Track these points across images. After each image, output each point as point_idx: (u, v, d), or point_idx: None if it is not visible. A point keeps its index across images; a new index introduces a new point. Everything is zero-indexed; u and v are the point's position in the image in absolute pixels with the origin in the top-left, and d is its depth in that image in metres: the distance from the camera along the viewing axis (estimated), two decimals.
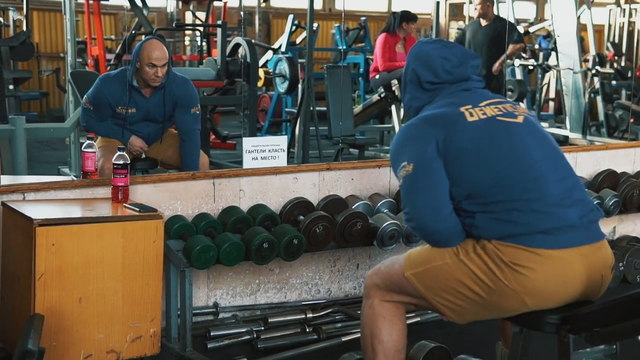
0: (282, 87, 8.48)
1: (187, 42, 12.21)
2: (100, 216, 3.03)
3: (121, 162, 3.20)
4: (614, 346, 2.37)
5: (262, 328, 3.60)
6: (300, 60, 8.73)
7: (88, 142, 3.50)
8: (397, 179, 2.52)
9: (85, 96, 4.27)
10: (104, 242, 2.94)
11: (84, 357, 2.97)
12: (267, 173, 3.79)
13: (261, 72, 9.04)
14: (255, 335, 3.52)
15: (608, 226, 4.94)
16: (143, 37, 8.13)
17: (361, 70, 9.70)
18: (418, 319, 3.76)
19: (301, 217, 3.67)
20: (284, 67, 8.45)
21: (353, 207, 3.80)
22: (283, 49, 9.12)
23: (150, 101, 4.24)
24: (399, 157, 2.48)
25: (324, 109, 7.29)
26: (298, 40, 9.80)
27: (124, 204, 3.18)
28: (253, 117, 6.74)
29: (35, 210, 2.95)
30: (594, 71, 8.56)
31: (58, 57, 10.27)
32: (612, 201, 4.44)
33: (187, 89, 4.32)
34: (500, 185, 2.36)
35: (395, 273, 2.54)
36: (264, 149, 3.76)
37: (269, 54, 9.82)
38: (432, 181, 2.40)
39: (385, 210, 3.89)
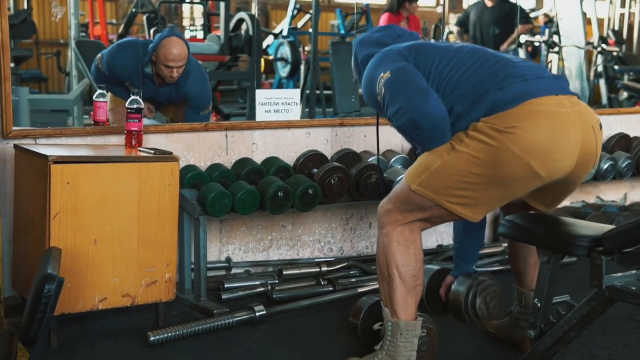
0: (283, 71, 8.41)
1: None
2: (116, 155, 2.97)
3: (135, 106, 3.15)
4: None
5: (277, 281, 3.55)
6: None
7: (100, 91, 3.44)
8: (379, 103, 2.59)
9: (100, 55, 3.96)
10: (119, 182, 2.89)
11: (99, 300, 2.92)
12: (280, 127, 3.74)
13: None
14: (269, 287, 3.47)
15: (619, 192, 4.91)
16: (144, 17, 8.08)
17: None
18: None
19: (315, 170, 3.63)
20: (285, 51, 8.40)
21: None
22: (285, 33, 9.07)
23: (159, 91, 3.95)
24: (374, 76, 2.59)
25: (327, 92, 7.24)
26: (299, 25, 9.74)
27: (139, 148, 3.13)
28: (255, 90, 6.68)
29: (49, 150, 2.89)
30: (599, 49, 8.54)
31: (58, 44, 10.17)
32: (626, 162, 4.41)
33: (202, 89, 4.01)
34: (468, 73, 2.48)
35: (402, 191, 2.54)
36: (277, 102, 3.71)
37: (269, 39, 9.76)
38: (411, 75, 2.50)
39: (399, 166, 3.85)
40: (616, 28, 12.46)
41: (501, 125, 2.35)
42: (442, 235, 4.27)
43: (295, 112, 3.75)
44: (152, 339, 2.91)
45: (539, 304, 2.52)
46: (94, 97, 3.43)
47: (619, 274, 2.30)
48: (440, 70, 2.51)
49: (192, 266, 3.42)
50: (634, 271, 2.32)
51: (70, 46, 6.37)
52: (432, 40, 7.01)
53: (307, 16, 9.31)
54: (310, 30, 8.89)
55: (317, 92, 7.40)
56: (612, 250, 2.22)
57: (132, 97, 3.16)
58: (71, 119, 6.53)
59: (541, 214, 2.65)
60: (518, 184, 2.40)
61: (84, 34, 6.58)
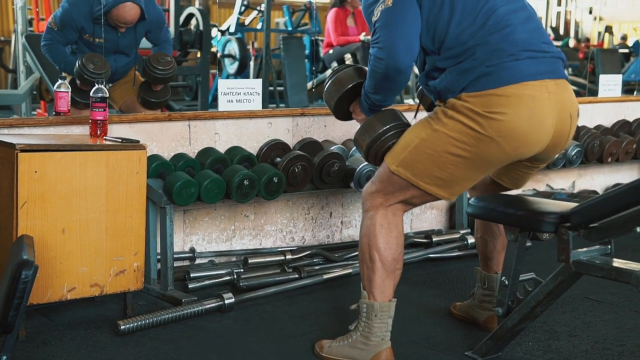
0: (231, 68, 8.40)
1: None
2: (84, 144, 2.95)
3: (99, 95, 3.13)
4: (609, 246, 2.42)
5: (242, 270, 3.57)
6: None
7: (60, 82, 3.41)
8: (371, 20, 2.52)
9: (52, 17, 4.12)
10: (87, 171, 2.87)
11: (68, 290, 2.89)
12: (242, 117, 3.76)
13: None
14: (235, 276, 3.49)
15: (568, 180, 5.07)
16: None
17: (307, 52, 9.67)
18: None
19: (278, 159, 3.66)
20: (233, 47, 8.40)
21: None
22: (232, 29, 9.05)
23: (121, 36, 4.14)
24: None
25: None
26: (247, 22, 9.73)
27: (104, 137, 3.11)
28: (205, 85, 6.69)
29: (15, 139, 2.86)
30: None
31: None
32: (575, 151, 4.56)
33: (155, 11, 4.30)
34: (469, 33, 2.41)
35: (384, 173, 2.58)
36: (239, 92, 3.73)
37: (213, 34, 9.70)
38: (408, 16, 2.43)
39: (359, 155, 3.90)
40: (553, 25, 12.82)
41: (481, 108, 2.37)
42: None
43: (257, 102, 3.78)
44: (122, 327, 2.90)
45: (506, 282, 2.61)
46: (54, 87, 3.40)
47: (584, 249, 2.40)
48: (446, 18, 2.44)
49: (158, 257, 3.42)
50: (597, 246, 2.41)
51: (16, 42, 6.25)
52: None
53: (255, 13, 9.33)
54: (259, 27, 8.90)
55: (271, 88, 7.43)
56: (579, 225, 2.31)
57: (97, 86, 3.13)
58: (16, 116, 6.40)
59: (509, 195, 2.73)
60: (491, 164, 2.48)
61: (30, 29, 6.45)
